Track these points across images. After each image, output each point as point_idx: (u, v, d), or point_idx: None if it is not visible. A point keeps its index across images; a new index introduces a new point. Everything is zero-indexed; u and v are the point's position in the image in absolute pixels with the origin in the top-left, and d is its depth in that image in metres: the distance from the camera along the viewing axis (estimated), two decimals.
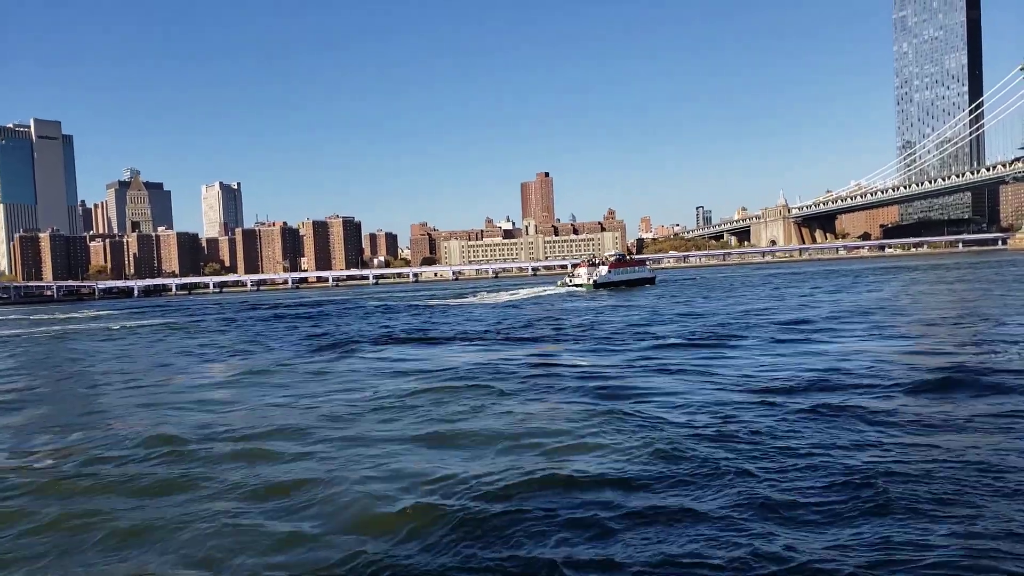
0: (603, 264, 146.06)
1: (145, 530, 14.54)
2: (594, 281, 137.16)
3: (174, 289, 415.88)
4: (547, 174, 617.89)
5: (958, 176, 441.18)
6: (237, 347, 56.31)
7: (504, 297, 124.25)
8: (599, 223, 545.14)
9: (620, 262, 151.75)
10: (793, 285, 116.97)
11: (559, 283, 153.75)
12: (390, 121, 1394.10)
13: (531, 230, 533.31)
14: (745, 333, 45.67)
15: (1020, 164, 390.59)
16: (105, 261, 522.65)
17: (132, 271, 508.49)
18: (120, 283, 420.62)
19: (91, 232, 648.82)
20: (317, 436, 21.81)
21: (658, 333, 48.54)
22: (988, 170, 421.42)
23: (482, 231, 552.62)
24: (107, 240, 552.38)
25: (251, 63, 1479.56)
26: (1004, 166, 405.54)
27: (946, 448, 17.28)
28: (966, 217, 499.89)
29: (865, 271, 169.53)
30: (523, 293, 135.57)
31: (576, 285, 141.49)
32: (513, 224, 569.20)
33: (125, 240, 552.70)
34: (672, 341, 43.24)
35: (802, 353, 35.41)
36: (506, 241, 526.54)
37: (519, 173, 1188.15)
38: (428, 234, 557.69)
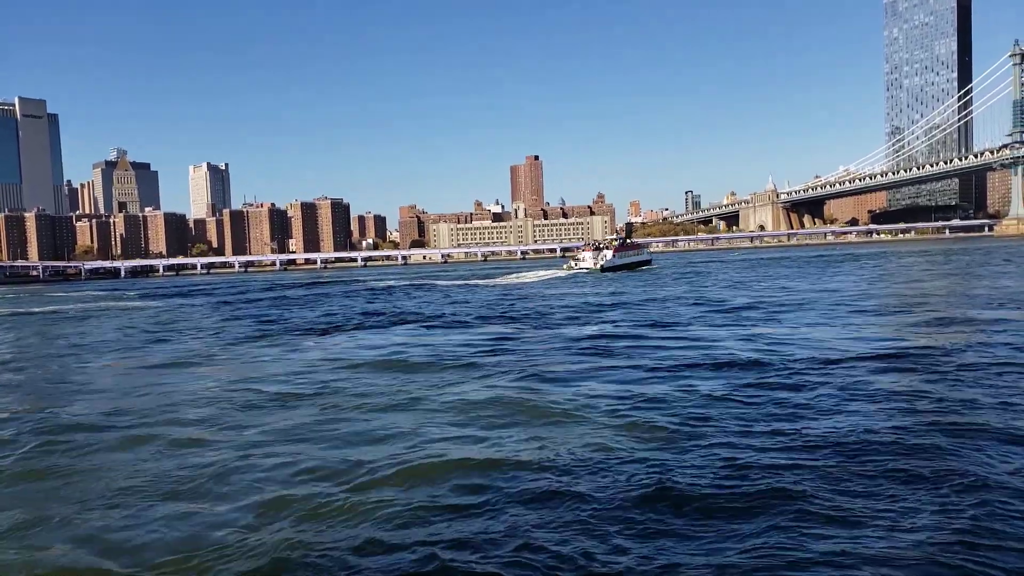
0: (607, 248, 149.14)
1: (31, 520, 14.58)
2: (601, 265, 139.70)
3: (161, 270, 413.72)
4: (537, 157, 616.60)
5: (946, 162, 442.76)
6: (201, 331, 56.25)
7: (512, 280, 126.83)
8: (588, 207, 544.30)
9: (623, 246, 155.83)
10: (776, 269, 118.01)
11: (564, 267, 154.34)
12: (380, 104, 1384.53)
13: (520, 213, 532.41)
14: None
15: (1007, 151, 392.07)
16: (92, 241, 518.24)
17: (119, 252, 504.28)
18: (107, 264, 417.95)
19: (77, 212, 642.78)
20: (228, 423, 22.05)
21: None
22: (976, 157, 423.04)
23: (471, 214, 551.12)
24: (94, 220, 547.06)
25: (240, 46, 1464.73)
26: (992, 153, 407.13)
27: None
28: (954, 203, 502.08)
29: (849, 257, 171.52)
30: (532, 276, 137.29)
31: (582, 269, 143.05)
32: (502, 207, 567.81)
33: (112, 220, 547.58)
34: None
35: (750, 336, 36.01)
36: (495, 224, 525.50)
37: (509, 156, 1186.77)
38: (417, 217, 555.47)
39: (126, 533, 13.58)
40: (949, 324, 38.02)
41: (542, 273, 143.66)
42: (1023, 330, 34.50)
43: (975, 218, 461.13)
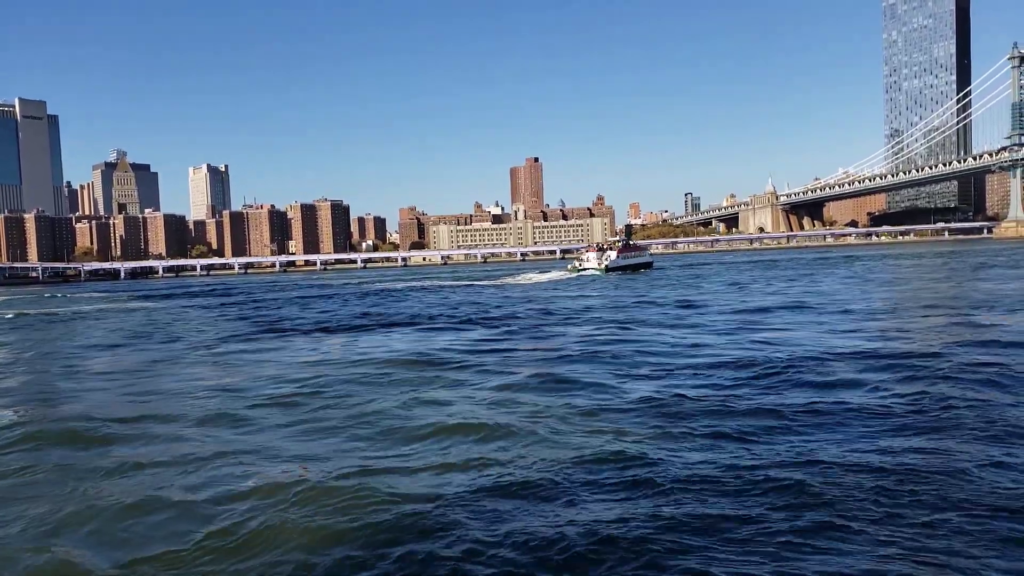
0: (611, 249, 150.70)
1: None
2: (606, 266, 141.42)
3: (161, 272, 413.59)
4: (536, 159, 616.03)
5: (945, 165, 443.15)
6: (196, 332, 56.38)
7: (511, 281, 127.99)
8: (588, 209, 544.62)
9: (626, 247, 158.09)
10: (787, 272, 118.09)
11: (568, 268, 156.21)
12: (380, 104, 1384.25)
13: (520, 215, 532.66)
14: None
15: (1006, 154, 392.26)
16: (91, 243, 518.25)
17: (119, 253, 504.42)
18: (107, 265, 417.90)
19: (77, 213, 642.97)
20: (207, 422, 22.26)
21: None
22: (975, 159, 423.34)
23: (471, 216, 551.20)
24: (93, 222, 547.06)
25: (240, 46, 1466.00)
26: (991, 155, 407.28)
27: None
28: (953, 205, 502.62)
29: (849, 259, 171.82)
30: (533, 277, 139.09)
31: (587, 270, 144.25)
32: (502, 209, 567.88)
33: (112, 222, 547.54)
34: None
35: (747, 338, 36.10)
36: (495, 226, 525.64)
37: (508, 158, 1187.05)
38: (417, 218, 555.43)
39: (110, 530, 13.67)
40: (947, 326, 38.08)
41: (544, 275, 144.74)
42: (1017, 332, 34.55)
43: (974, 220, 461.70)
